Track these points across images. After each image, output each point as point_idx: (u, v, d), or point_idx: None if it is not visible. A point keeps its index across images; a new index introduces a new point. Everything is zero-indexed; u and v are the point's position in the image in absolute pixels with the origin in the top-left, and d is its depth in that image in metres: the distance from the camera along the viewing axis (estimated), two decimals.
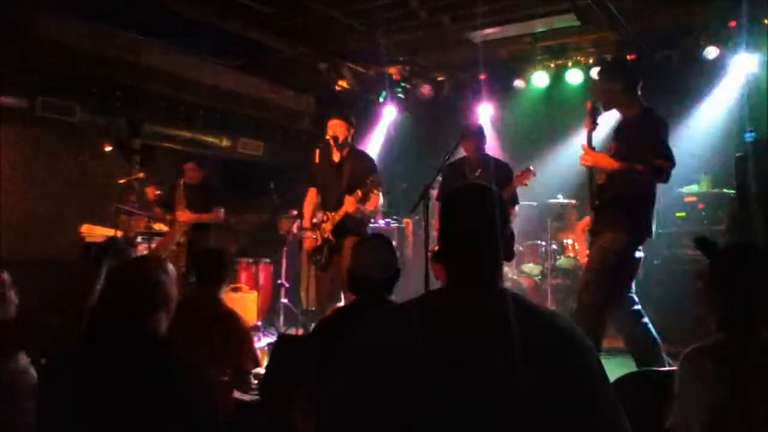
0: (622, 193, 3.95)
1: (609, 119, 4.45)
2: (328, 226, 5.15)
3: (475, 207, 1.65)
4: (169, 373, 2.07)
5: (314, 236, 5.25)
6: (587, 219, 4.22)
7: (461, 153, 5.42)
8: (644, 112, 4.04)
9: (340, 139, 5.18)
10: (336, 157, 5.24)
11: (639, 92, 4.17)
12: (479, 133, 5.32)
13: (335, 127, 5.19)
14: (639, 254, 4.09)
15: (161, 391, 2.02)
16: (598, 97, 4.21)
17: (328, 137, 5.22)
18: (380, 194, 5.21)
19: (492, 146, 7.29)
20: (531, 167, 5.30)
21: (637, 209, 3.96)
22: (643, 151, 3.86)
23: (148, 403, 2.00)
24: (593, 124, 4.14)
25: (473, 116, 7.98)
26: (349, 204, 5.00)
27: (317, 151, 5.35)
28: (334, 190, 5.16)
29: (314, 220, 5.31)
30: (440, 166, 4.90)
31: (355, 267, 2.82)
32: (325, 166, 5.28)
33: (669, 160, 3.88)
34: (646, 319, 4.08)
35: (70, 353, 2.20)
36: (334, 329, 2.69)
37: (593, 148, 4.10)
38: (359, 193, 4.95)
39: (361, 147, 5.76)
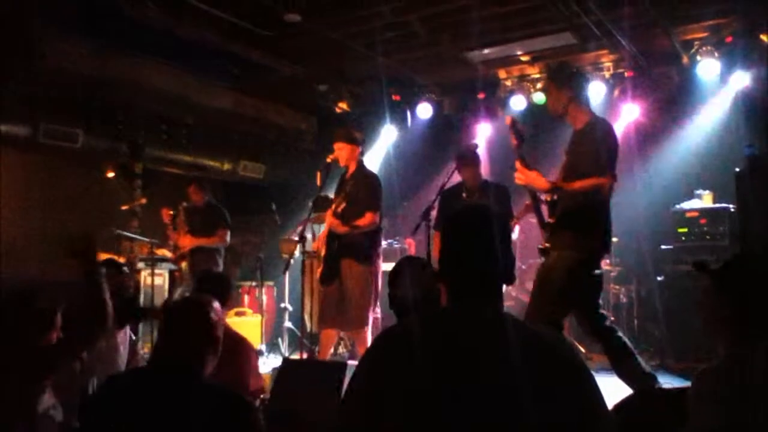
0: (570, 210, 3.84)
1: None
2: (323, 243, 5.25)
3: (474, 227, 1.67)
4: (215, 418, 2.03)
5: (322, 252, 5.31)
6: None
7: (458, 177, 5.38)
8: (592, 122, 3.94)
9: (342, 161, 5.22)
10: (347, 175, 5.32)
11: (588, 101, 4.10)
12: (476, 159, 5.29)
13: (339, 151, 5.24)
14: (597, 271, 3.99)
15: None
16: (549, 106, 4.13)
17: (329, 159, 5.27)
18: (371, 211, 5.10)
19: (492, 165, 7.34)
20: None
21: (587, 226, 3.82)
22: (584, 166, 3.78)
23: None
24: (518, 140, 4.02)
25: (472, 135, 8.01)
26: (327, 218, 5.05)
27: (318, 174, 5.42)
28: (337, 208, 5.20)
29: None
30: (438, 192, 4.90)
31: (395, 292, 2.83)
32: (336, 186, 5.37)
33: (605, 175, 3.74)
34: (620, 333, 3.99)
35: (115, 391, 2.16)
36: None
37: (527, 165, 3.96)
38: (333, 206, 4.97)
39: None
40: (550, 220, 3.95)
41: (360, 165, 5.32)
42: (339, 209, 4.99)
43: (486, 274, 1.62)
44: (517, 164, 3.97)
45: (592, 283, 3.98)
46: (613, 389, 3.14)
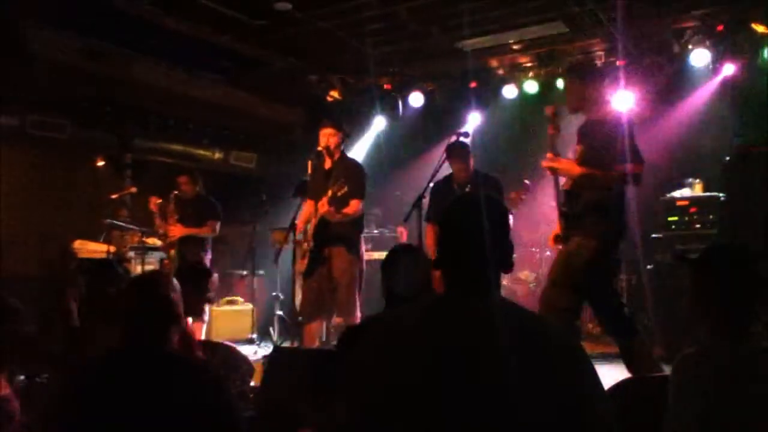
0: (589, 198, 3.92)
1: (575, 121, 4.37)
2: (310, 231, 5.16)
3: (471, 215, 1.66)
4: (192, 390, 2.06)
5: (305, 244, 5.25)
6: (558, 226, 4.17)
7: (447, 167, 5.36)
8: (611, 115, 4.03)
9: (332, 147, 5.20)
10: (327, 164, 5.27)
11: (607, 95, 4.20)
12: (465, 151, 5.27)
13: (328, 136, 5.21)
14: (614, 257, 4.06)
15: (185, 408, 2.02)
16: (568, 101, 4.18)
17: (320, 148, 5.24)
18: (357, 199, 5.11)
19: (483, 154, 7.32)
20: (526, 181, 5.26)
21: (606, 214, 3.90)
22: (611, 154, 3.82)
23: (174, 420, 1.99)
24: (556, 129, 4.13)
25: (463, 125, 8.00)
26: (322, 206, 5.00)
27: (309, 162, 5.38)
28: (320, 198, 5.12)
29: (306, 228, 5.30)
30: (429, 181, 4.89)
31: (393, 284, 2.75)
32: (317, 176, 5.31)
33: (637, 162, 3.83)
34: (634, 322, 4.09)
35: (90, 372, 2.17)
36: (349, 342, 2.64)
37: (558, 154, 4.07)
38: (329, 192, 4.92)
39: (353, 156, 5.76)
40: (564, 209, 4.05)
41: (343, 153, 5.34)
42: (339, 193, 4.93)
43: (482, 263, 1.61)
44: (550, 153, 4.06)
45: (610, 269, 4.08)
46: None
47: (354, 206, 5.10)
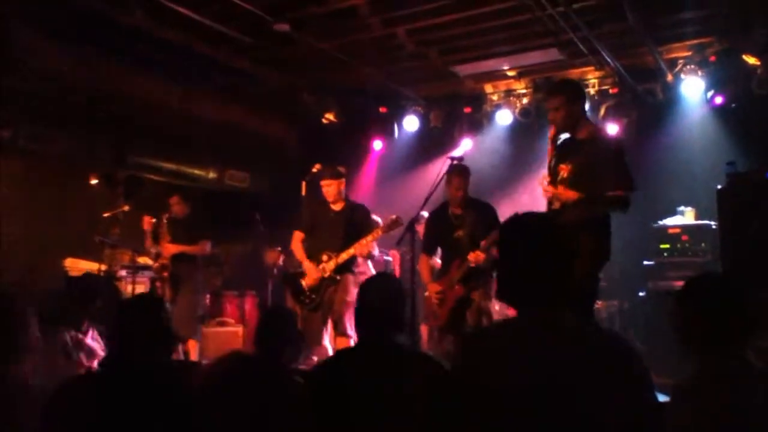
0: (578, 218, 3.83)
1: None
2: (330, 266, 5.26)
3: (538, 237, 1.73)
4: (183, 407, 2.10)
5: (313, 276, 5.30)
6: None
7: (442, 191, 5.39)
8: (596, 133, 3.99)
9: (331, 197, 5.38)
10: (336, 206, 5.43)
11: (587, 111, 4.20)
12: (466, 172, 5.25)
13: (327, 188, 5.36)
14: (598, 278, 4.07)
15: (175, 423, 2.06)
16: (552, 118, 4.09)
17: (314, 170, 5.34)
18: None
19: (479, 177, 7.34)
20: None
21: (595, 234, 3.86)
22: (601, 179, 3.78)
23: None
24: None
25: (458, 147, 8.01)
26: (363, 246, 5.23)
27: (303, 183, 5.44)
28: (338, 235, 5.31)
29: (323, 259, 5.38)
30: (423, 204, 4.89)
31: (372, 306, 2.68)
32: (322, 214, 5.44)
33: (628, 188, 3.79)
34: None
35: (82, 387, 2.19)
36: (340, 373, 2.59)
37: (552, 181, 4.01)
38: (369, 238, 5.20)
39: (348, 178, 5.82)
40: None
41: (347, 198, 5.51)
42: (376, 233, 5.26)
43: (557, 283, 1.67)
44: (547, 177, 4.02)
45: (594, 287, 4.03)
46: None
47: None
